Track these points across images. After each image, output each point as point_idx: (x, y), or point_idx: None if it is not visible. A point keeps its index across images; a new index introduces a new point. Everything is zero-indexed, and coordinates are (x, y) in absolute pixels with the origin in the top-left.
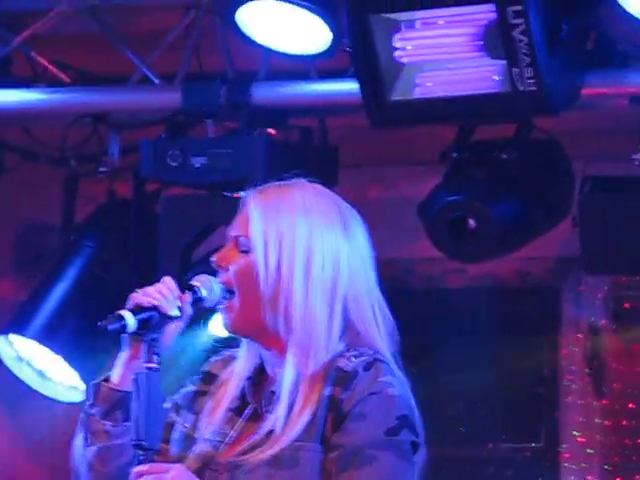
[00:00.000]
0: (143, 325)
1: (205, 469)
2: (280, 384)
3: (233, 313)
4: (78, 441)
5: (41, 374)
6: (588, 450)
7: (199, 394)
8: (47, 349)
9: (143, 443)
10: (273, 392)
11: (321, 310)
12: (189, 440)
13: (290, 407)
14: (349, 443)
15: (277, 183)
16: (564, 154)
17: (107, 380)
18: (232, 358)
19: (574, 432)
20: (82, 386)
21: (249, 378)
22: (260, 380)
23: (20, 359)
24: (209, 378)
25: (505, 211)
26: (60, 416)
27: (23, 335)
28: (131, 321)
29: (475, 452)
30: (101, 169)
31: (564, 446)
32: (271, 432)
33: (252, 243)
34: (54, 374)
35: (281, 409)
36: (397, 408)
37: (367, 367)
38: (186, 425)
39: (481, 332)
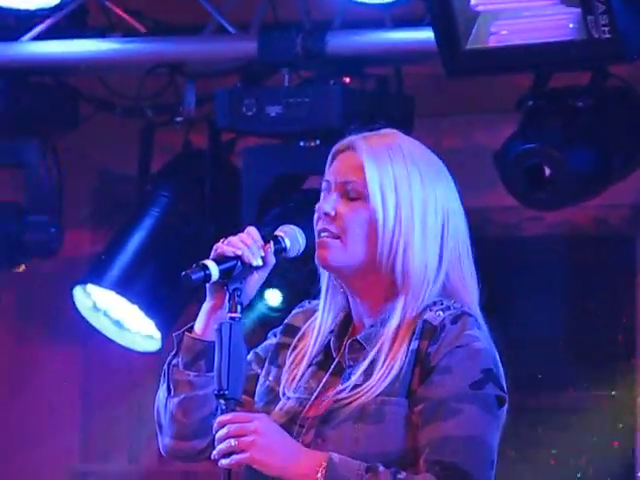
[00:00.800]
0: (226, 275)
1: (292, 424)
2: (371, 330)
3: (337, 249)
4: (161, 392)
5: (118, 324)
6: None
7: (281, 347)
8: (124, 299)
9: (225, 393)
10: (357, 341)
11: (433, 259)
12: (273, 394)
13: (378, 360)
14: (434, 396)
15: (376, 132)
16: (639, 101)
17: (190, 330)
18: (313, 310)
19: None
20: (158, 335)
21: (332, 331)
22: (345, 333)
23: (97, 309)
24: (291, 330)
25: (581, 159)
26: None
27: (100, 285)
28: (215, 271)
29: (552, 400)
30: (177, 119)
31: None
32: (356, 386)
33: (369, 190)
34: (131, 324)
35: (369, 361)
36: (483, 361)
37: (454, 320)
38: (270, 378)
39: (557, 280)
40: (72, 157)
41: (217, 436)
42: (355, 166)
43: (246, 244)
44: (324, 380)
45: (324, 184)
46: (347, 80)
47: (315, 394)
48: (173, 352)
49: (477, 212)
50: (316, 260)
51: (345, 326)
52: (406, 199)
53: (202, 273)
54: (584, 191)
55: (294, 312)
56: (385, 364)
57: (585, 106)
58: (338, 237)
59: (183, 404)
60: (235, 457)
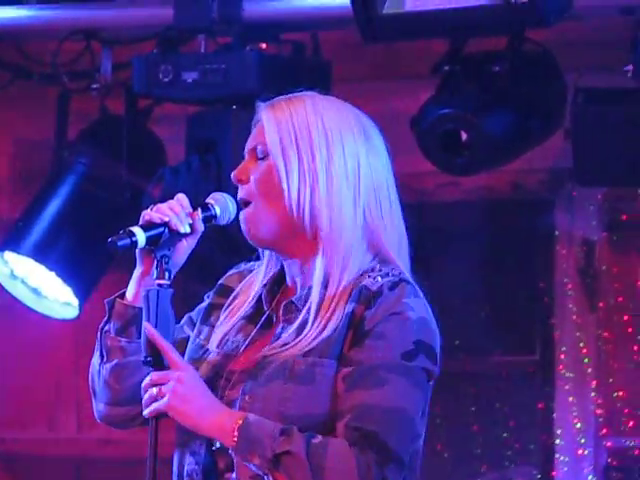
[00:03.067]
0: (153, 242)
1: (217, 378)
2: (305, 292)
3: (254, 222)
4: (95, 359)
5: (36, 292)
6: (584, 360)
7: (213, 307)
8: (41, 266)
9: (151, 359)
10: (292, 302)
11: (348, 207)
12: (202, 350)
13: (309, 319)
14: (365, 361)
15: (286, 96)
16: (556, 66)
17: (122, 296)
18: (249, 271)
19: (568, 345)
20: (76, 302)
21: (265, 285)
22: (277, 289)
23: (14, 277)
24: (224, 291)
25: (497, 123)
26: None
27: (17, 252)
28: (141, 237)
29: (469, 366)
30: (94, 86)
31: (560, 358)
32: (286, 344)
33: (268, 145)
34: (48, 291)
35: (301, 320)
36: (416, 332)
37: (392, 287)
38: (201, 337)
39: (475, 245)
40: None
41: (142, 386)
42: (259, 131)
43: (174, 211)
44: (253, 333)
45: (245, 154)
46: (264, 46)
47: (242, 347)
48: (105, 318)
49: (394, 178)
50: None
51: (278, 283)
52: (307, 148)
53: (128, 240)
54: (501, 156)
55: (229, 273)
56: (317, 323)
57: (502, 71)
58: (249, 202)
59: (116, 370)
60: (155, 405)
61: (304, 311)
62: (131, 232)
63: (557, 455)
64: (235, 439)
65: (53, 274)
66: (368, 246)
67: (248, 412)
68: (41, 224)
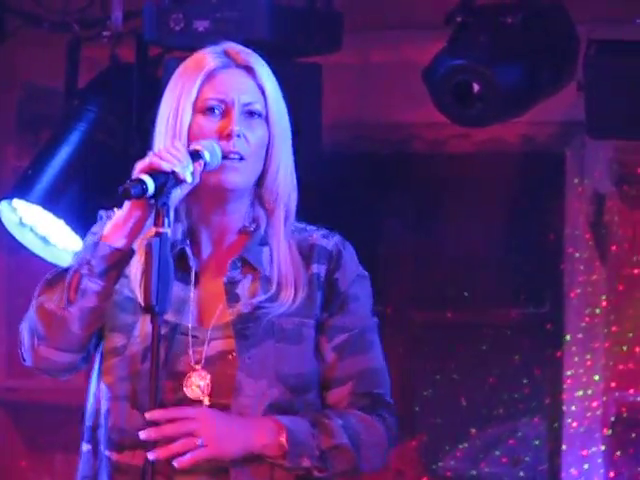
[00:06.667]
0: (159, 189)
1: (175, 334)
2: (262, 251)
3: (244, 172)
4: (51, 301)
5: (44, 240)
6: (595, 311)
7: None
8: (50, 214)
9: (155, 308)
10: (243, 259)
11: (291, 173)
12: (133, 303)
13: (274, 278)
14: (354, 326)
15: (242, 49)
16: (569, 17)
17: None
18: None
19: (579, 296)
20: None
21: (183, 241)
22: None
23: (23, 225)
24: None
25: (509, 75)
26: None
27: (26, 200)
28: (151, 185)
29: (478, 317)
30: (104, 33)
31: (570, 309)
32: (268, 300)
33: (270, 110)
34: (57, 239)
35: (262, 276)
36: (370, 288)
37: (343, 245)
38: (125, 290)
39: (485, 197)
40: None
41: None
42: (255, 85)
43: (178, 159)
44: (192, 292)
45: (212, 95)
46: None
47: (192, 305)
48: (81, 260)
49: (405, 128)
50: (213, 185)
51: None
52: (284, 121)
53: (140, 187)
54: (513, 108)
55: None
56: (288, 281)
57: (514, 22)
58: (243, 158)
59: (85, 315)
60: (192, 454)
61: (266, 269)
62: (141, 180)
63: (565, 407)
64: (286, 449)
65: (62, 222)
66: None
67: (246, 373)
68: (50, 172)
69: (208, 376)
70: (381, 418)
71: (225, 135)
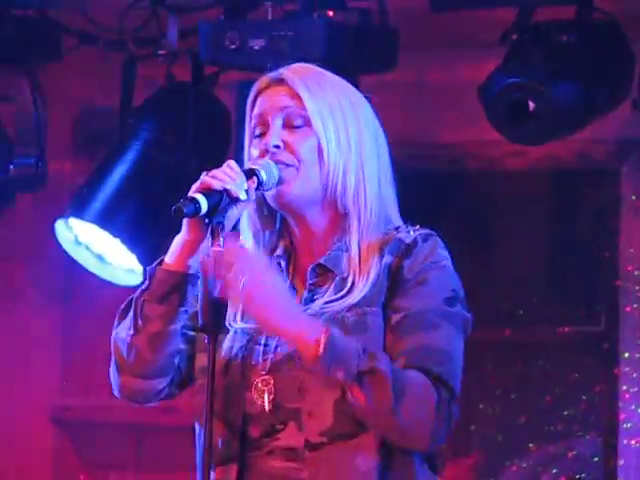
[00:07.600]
0: (214, 208)
1: (254, 344)
2: (333, 254)
3: (294, 179)
4: (123, 329)
5: (100, 258)
6: None
7: None
8: (106, 232)
9: (209, 327)
10: (322, 265)
11: (373, 182)
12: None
13: (349, 276)
14: (413, 306)
15: (296, 64)
16: (624, 35)
17: (161, 264)
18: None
19: (634, 315)
20: (140, 269)
21: (279, 256)
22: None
23: (79, 243)
24: None
25: (565, 93)
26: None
27: (82, 218)
28: (204, 204)
29: (533, 336)
30: (159, 52)
31: (625, 328)
32: (331, 301)
33: (311, 115)
34: (112, 258)
35: (337, 280)
36: (452, 281)
37: (426, 238)
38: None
39: (540, 215)
40: (54, 90)
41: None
42: (289, 94)
43: (231, 177)
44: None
45: (254, 121)
46: (330, 13)
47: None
48: (143, 287)
49: (460, 146)
50: (272, 199)
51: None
52: (342, 124)
53: (193, 206)
54: (568, 125)
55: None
56: (361, 277)
57: (569, 40)
58: (291, 166)
59: (153, 339)
60: (228, 290)
61: (342, 271)
62: (194, 199)
63: (622, 424)
64: (322, 349)
65: (117, 241)
66: (384, 214)
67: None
68: (106, 190)
69: (272, 381)
70: (436, 390)
71: (262, 152)
